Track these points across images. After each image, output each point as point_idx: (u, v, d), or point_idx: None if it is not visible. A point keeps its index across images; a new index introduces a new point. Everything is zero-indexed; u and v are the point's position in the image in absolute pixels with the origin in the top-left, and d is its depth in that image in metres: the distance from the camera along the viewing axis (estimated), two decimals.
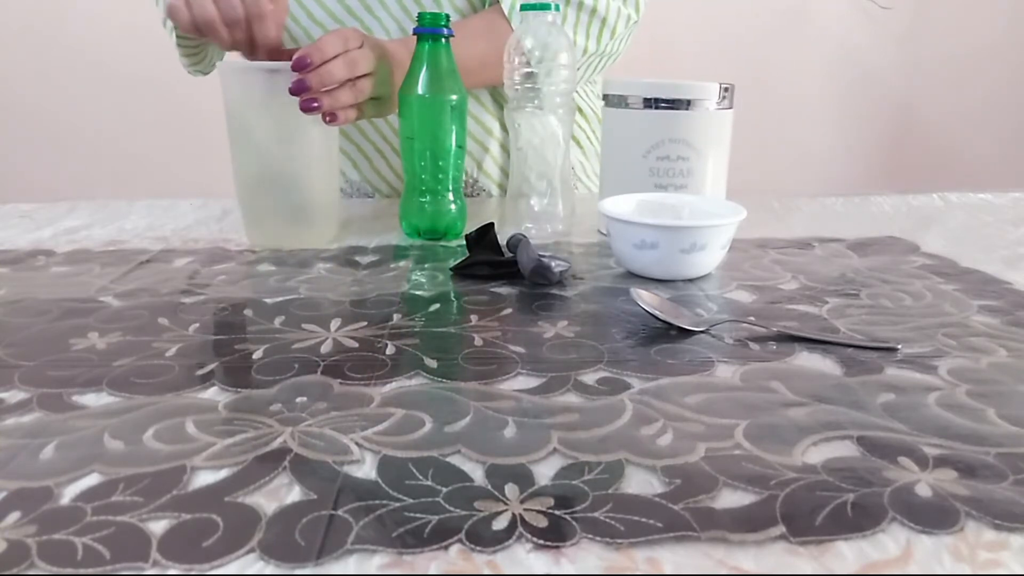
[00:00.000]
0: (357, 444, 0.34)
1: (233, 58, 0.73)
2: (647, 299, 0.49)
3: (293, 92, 0.63)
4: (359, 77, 0.67)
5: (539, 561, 0.26)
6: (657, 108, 0.66)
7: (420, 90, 0.67)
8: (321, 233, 0.70)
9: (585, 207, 0.76)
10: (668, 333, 0.47)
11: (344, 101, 0.67)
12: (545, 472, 0.32)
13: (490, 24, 0.82)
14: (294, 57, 0.63)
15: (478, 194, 0.92)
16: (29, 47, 1.88)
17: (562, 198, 0.72)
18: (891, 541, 0.27)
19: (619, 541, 0.27)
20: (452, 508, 0.29)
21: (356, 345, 0.45)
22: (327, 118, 0.66)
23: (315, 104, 0.64)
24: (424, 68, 0.67)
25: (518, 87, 0.69)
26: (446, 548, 0.27)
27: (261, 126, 0.66)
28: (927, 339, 0.46)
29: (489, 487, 0.31)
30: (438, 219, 0.70)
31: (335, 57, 0.65)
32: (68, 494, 0.30)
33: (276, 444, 0.34)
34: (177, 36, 0.78)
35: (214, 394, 0.39)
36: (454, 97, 0.68)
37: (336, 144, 0.71)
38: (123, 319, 0.50)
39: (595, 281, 0.58)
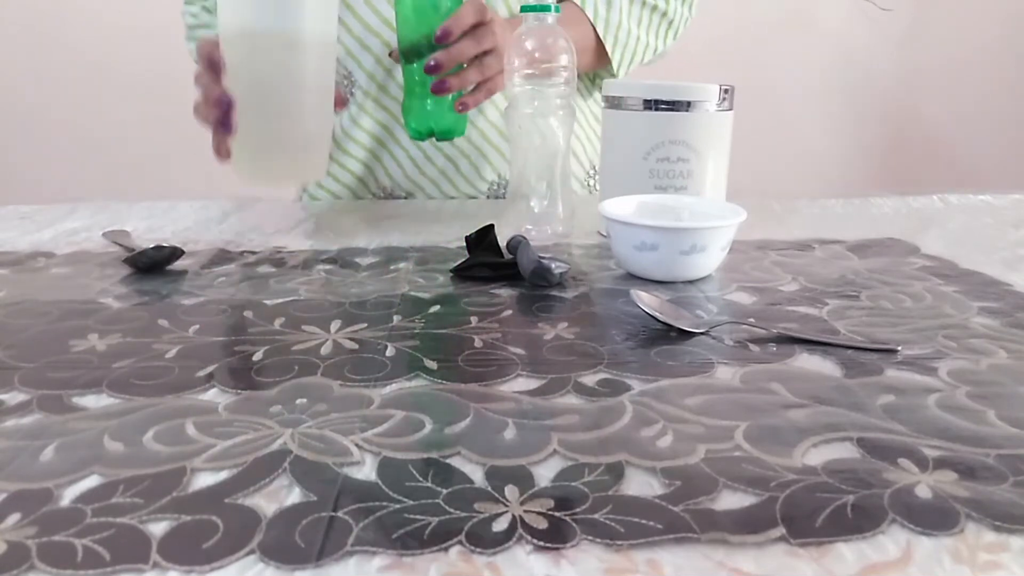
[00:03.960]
0: (357, 446, 0.34)
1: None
2: (647, 301, 0.49)
3: (428, 71, 0.64)
4: (484, 54, 0.68)
5: (539, 563, 0.26)
6: (657, 110, 0.66)
7: None
8: (312, 165, 0.67)
9: (585, 208, 0.76)
10: (668, 335, 0.47)
11: (470, 80, 0.68)
12: (545, 474, 0.32)
13: (574, 14, 0.86)
14: (438, 31, 0.64)
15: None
16: (29, 47, 1.88)
17: (562, 200, 0.72)
18: (891, 543, 0.27)
19: (619, 543, 0.27)
20: (452, 510, 0.29)
21: (356, 347, 0.45)
22: (459, 107, 0.68)
23: (446, 85, 0.65)
24: None
25: (518, 88, 0.69)
26: (446, 550, 0.27)
27: (254, 47, 0.61)
28: (927, 341, 0.46)
29: (489, 489, 0.31)
30: (439, 119, 0.71)
31: (465, 33, 0.66)
32: (68, 496, 0.30)
33: (276, 446, 0.34)
34: None
35: (214, 396, 0.39)
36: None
37: (332, 71, 0.67)
38: (123, 321, 0.50)
39: (595, 283, 0.58)
